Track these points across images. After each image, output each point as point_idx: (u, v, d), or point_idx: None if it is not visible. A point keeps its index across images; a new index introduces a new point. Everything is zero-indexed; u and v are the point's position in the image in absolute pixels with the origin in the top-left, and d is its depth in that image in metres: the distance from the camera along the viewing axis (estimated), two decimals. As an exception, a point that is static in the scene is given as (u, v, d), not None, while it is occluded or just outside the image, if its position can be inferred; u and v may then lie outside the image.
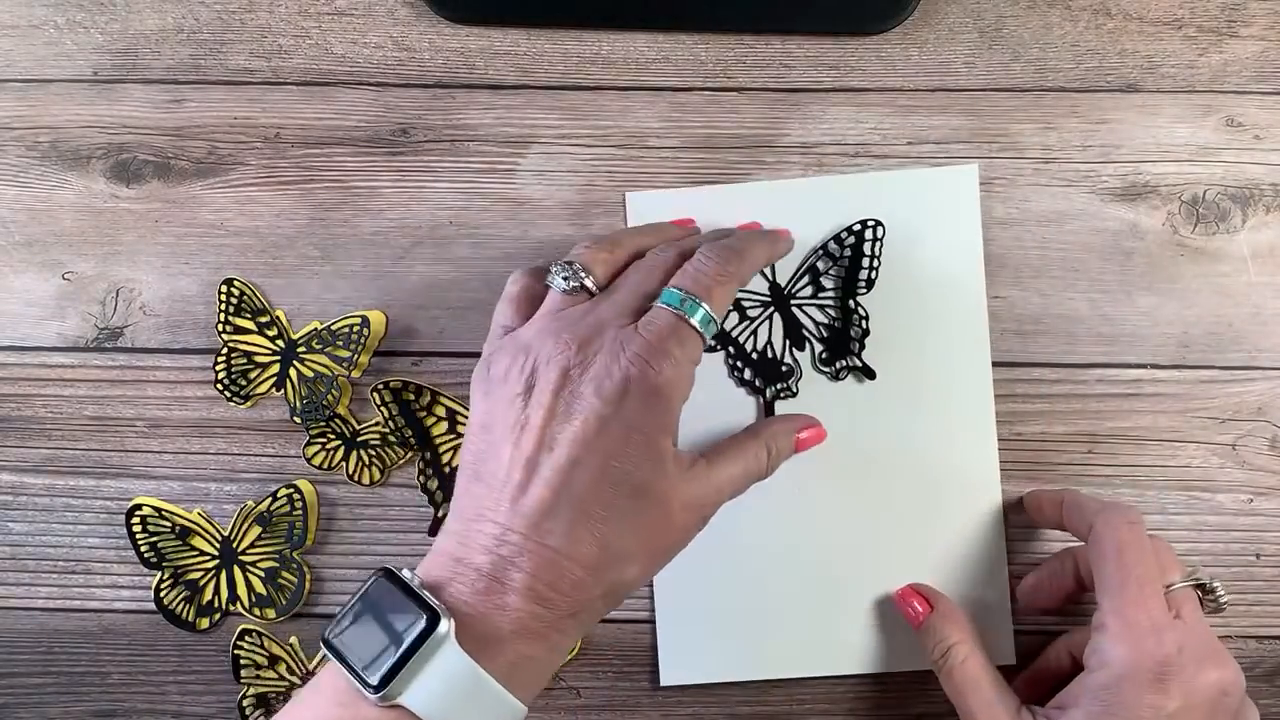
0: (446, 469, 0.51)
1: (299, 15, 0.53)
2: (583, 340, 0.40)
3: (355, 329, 0.51)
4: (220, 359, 0.52)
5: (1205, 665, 0.39)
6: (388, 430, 0.51)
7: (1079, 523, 0.45)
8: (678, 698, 0.51)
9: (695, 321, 0.41)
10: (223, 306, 0.52)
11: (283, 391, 0.51)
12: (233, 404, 0.52)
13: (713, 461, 0.42)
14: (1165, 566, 0.42)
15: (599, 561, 0.38)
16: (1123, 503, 0.48)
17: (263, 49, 0.53)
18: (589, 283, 0.43)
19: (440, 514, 0.51)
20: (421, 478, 0.51)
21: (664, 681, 0.51)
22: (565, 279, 0.43)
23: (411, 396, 0.51)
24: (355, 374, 0.51)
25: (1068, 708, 0.40)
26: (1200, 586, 0.43)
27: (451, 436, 0.51)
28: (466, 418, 0.51)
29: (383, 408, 0.51)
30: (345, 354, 0.51)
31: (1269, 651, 0.50)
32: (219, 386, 0.52)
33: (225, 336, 0.52)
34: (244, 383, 0.52)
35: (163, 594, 0.51)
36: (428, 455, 0.51)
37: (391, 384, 0.51)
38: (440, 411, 0.51)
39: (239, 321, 0.52)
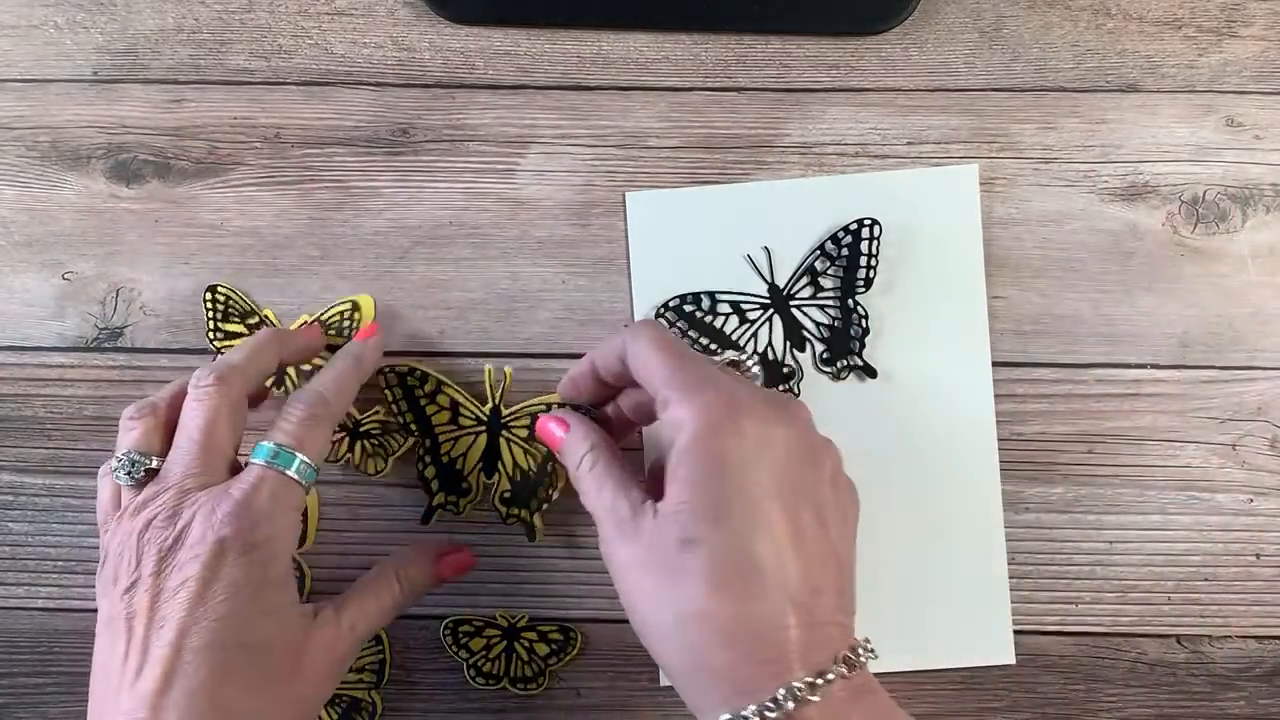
0: (445, 458, 0.51)
1: (299, 15, 0.53)
2: (169, 515, 0.40)
3: (346, 314, 0.51)
4: None
5: (768, 410, 0.38)
6: (390, 416, 0.51)
7: (612, 358, 0.43)
8: (677, 698, 0.51)
9: (292, 473, 0.41)
10: (211, 314, 0.52)
11: (283, 389, 0.51)
12: None
13: (341, 606, 0.43)
14: None
15: None
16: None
17: (263, 49, 0.53)
18: (153, 465, 0.42)
19: (434, 502, 0.51)
20: (420, 465, 0.51)
21: (664, 681, 0.51)
22: (129, 474, 0.42)
23: (416, 383, 0.51)
24: None
25: (667, 483, 0.38)
26: (734, 364, 0.42)
27: (453, 428, 0.51)
28: (470, 410, 0.51)
29: (388, 390, 0.51)
30: (340, 341, 0.51)
31: (1269, 651, 0.50)
32: None
33: (218, 344, 0.52)
34: None
35: (163, 594, 0.51)
36: (427, 443, 0.51)
37: (399, 368, 0.51)
38: (444, 401, 0.51)
39: (229, 327, 0.52)
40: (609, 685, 0.51)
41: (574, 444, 0.43)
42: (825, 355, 0.51)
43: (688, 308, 0.51)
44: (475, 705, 0.52)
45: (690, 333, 0.51)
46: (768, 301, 0.52)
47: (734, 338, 0.51)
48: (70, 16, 0.53)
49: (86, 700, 0.48)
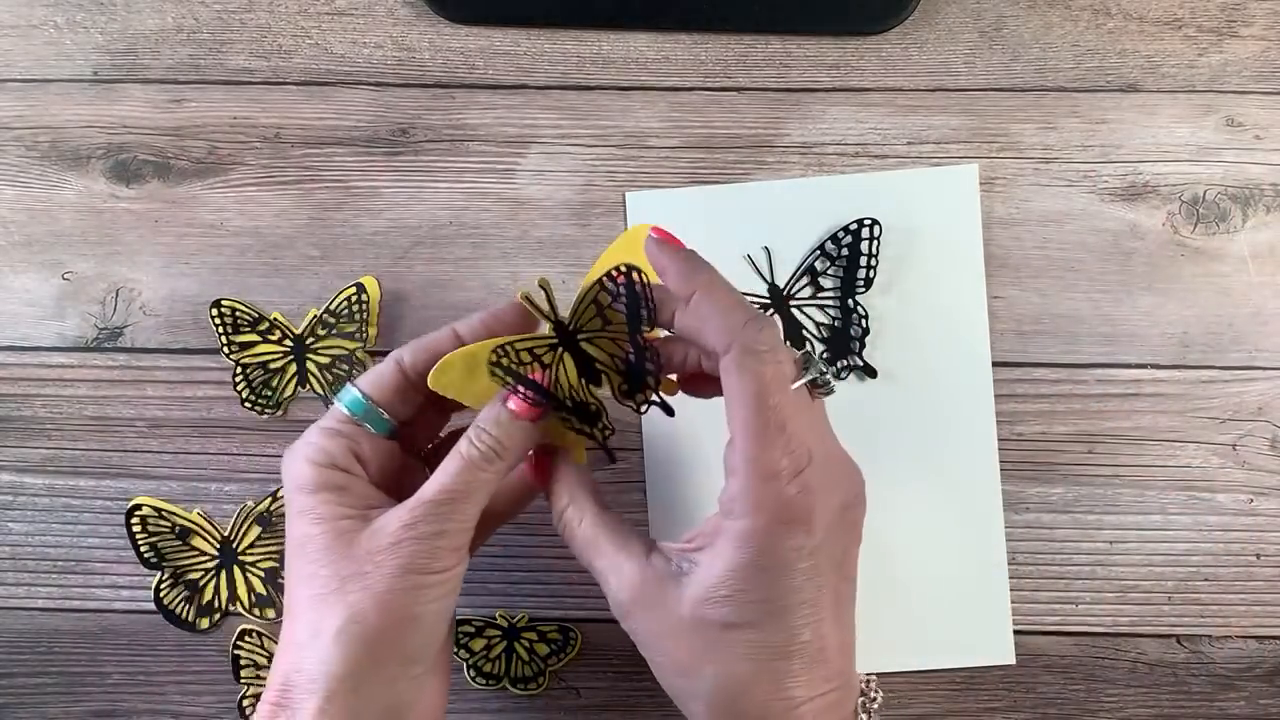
0: (563, 396, 0.42)
1: (299, 15, 0.53)
2: None
3: (354, 299, 0.51)
4: (238, 378, 0.51)
5: (833, 490, 0.37)
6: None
7: (710, 337, 0.38)
8: (678, 698, 0.51)
9: (335, 400, 0.42)
10: (220, 329, 0.51)
11: (308, 387, 0.51)
12: (267, 414, 0.51)
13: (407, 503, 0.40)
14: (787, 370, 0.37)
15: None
16: (754, 317, 0.38)
17: (263, 49, 0.53)
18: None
19: (604, 439, 0.42)
20: (564, 422, 0.42)
21: (664, 681, 0.51)
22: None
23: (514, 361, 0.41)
24: (370, 346, 0.51)
25: (705, 548, 0.37)
26: (813, 384, 0.38)
27: (540, 368, 0.42)
28: (540, 342, 0.42)
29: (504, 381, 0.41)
30: (352, 328, 0.51)
31: (1269, 651, 0.50)
32: (247, 405, 0.51)
33: (233, 356, 0.52)
34: (269, 393, 0.51)
35: (163, 594, 0.51)
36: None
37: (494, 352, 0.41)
38: (525, 356, 0.42)
39: (241, 338, 0.52)
40: (609, 685, 0.51)
41: (556, 493, 0.42)
42: (825, 355, 0.51)
43: (688, 308, 0.51)
44: (475, 705, 0.52)
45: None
46: (768, 301, 0.52)
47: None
48: (70, 16, 0.53)
49: (86, 700, 0.48)
